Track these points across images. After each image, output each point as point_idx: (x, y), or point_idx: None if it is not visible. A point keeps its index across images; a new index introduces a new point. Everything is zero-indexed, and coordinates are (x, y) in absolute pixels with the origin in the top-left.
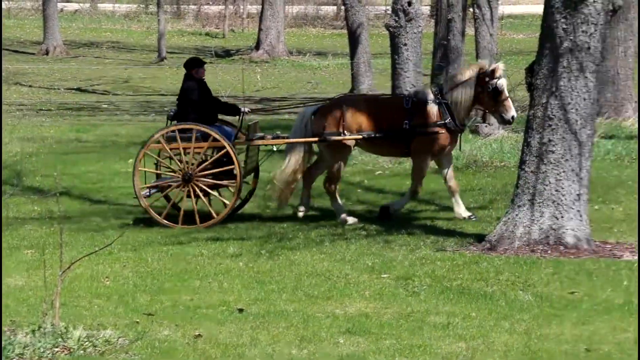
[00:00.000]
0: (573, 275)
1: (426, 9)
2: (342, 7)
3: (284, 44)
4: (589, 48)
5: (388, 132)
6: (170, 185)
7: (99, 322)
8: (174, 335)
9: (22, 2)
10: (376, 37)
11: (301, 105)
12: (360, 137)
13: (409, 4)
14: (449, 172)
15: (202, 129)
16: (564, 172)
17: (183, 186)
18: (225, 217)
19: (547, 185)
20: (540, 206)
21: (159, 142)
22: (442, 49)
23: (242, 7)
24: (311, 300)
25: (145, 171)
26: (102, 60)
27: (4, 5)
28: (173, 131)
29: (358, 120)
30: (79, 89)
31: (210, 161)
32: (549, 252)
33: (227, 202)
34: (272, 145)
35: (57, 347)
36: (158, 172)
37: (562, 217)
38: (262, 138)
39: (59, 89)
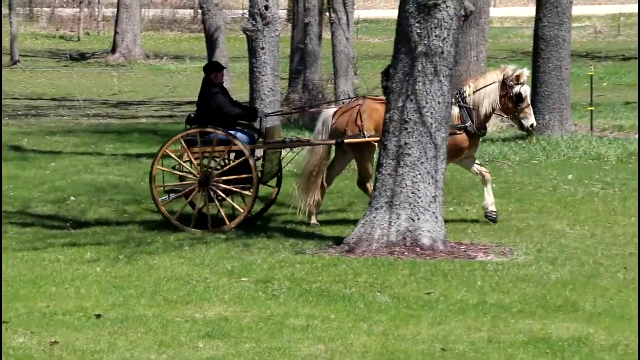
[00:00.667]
0: (429, 276)
1: (283, 13)
2: (199, 11)
3: (141, 47)
4: (442, 52)
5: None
6: (191, 190)
7: None
8: (29, 342)
9: None
10: (234, 41)
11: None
12: (375, 139)
13: (266, 7)
14: (477, 167)
15: (220, 132)
16: (420, 174)
17: (201, 190)
18: (239, 222)
19: (403, 188)
20: (397, 208)
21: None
22: (299, 53)
23: (97, 10)
24: (170, 305)
25: (163, 171)
26: None
27: None
28: (193, 135)
29: (376, 119)
30: None
31: (230, 166)
32: (405, 253)
33: (238, 207)
34: (291, 149)
35: None
36: (180, 173)
37: (418, 218)
38: (283, 142)
39: None
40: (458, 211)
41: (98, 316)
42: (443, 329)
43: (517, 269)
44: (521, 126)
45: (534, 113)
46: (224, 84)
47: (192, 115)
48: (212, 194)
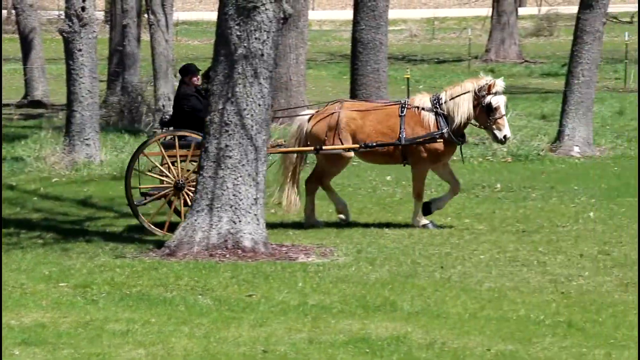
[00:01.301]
0: (250, 278)
1: (100, 14)
2: (13, 11)
3: None
4: (262, 55)
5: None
6: (165, 194)
7: None
8: None
9: None
10: (50, 42)
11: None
12: (355, 146)
13: (83, 9)
14: (453, 177)
15: (195, 136)
16: (241, 177)
17: (177, 194)
18: None
19: (225, 190)
20: (218, 211)
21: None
22: (117, 55)
23: None
24: None
25: (138, 173)
26: None
27: None
28: (171, 138)
29: (352, 127)
30: None
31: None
32: (227, 256)
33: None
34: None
35: None
36: (155, 175)
37: (239, 221)
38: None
39: None
40: (279, 213)
41: None
42: (264, 331)
43: (338, 269)
44: (494, 137)
45: None
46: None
47: (166, 118)
48: (187, 198)
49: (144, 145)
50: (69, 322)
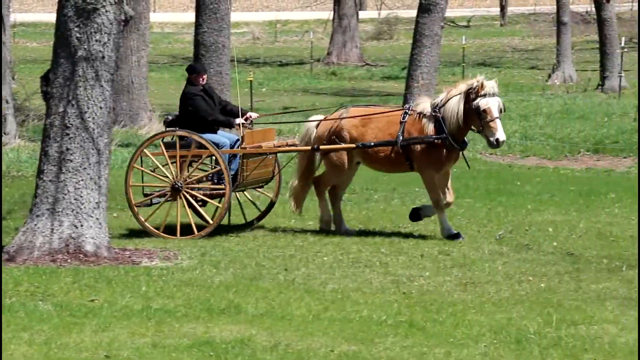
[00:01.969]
0: (93, 283)
1: None
2: None
3: None
4: (103, 57)
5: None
6: (163, 195)
7: None
8: None
9: None
10: None
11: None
12: (351, 145)
13: None
14: (448, 189)
15: (194, 136)
16: (82, 180)
17: (175, 196)
18: (212, 229)
19: (66, 194)
20: (59, 215)
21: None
22: None
23: None
24: None
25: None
26: None
27: None
28: (172, 138)
29: (354, 134)
30: None
31: (207, 174)
32: (69, 260)
33: (207, 217)
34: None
35: None
36: (154, 174)
37: (81, 225)
38: (259, 147)
39: None
40: (122, 217)
41: None
42: (107, 336)
43: (182, 273)
44: (488, 142)
45: None
46: None
47: (170, 117)
48: (184, 200)
49: (143, 144)
50: None
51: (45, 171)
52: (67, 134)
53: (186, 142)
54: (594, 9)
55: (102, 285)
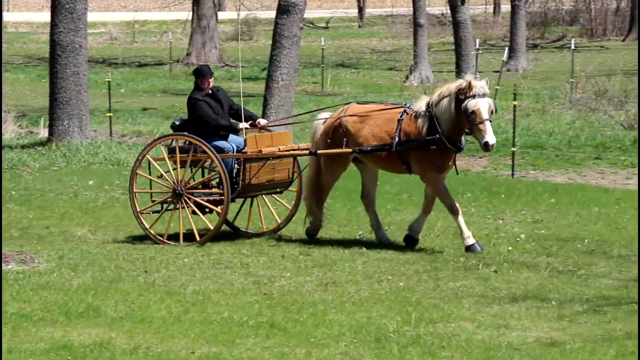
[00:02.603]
0: None
1: None
2: None
3: None
4: None
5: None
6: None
7: None
8: None
9: None
10: None
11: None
12: (348, 150)
13: None
14: (432, 198)
15: (194, 140)
16: None
17: (177, 202)
18: (212, 235)
19: None
20: None
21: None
22: None
23: None
24: None
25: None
26: None
27: None
28: (171, 142)
29: (351, 131)
30: None
31: (204, 179)
32: None
33: (208, 222)
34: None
35: None
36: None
37: None
38: (260, 152)
39: None
40: None
41: None
42: None
43: (39, 276)
44: (480, 144)
45: (54, 119)
46: None
47: (177, 122)
48: (186, 205)
49: (146, 147)
50: None
51: None
52: None
53: (188, 146)
54: (449, 11)
55: None
